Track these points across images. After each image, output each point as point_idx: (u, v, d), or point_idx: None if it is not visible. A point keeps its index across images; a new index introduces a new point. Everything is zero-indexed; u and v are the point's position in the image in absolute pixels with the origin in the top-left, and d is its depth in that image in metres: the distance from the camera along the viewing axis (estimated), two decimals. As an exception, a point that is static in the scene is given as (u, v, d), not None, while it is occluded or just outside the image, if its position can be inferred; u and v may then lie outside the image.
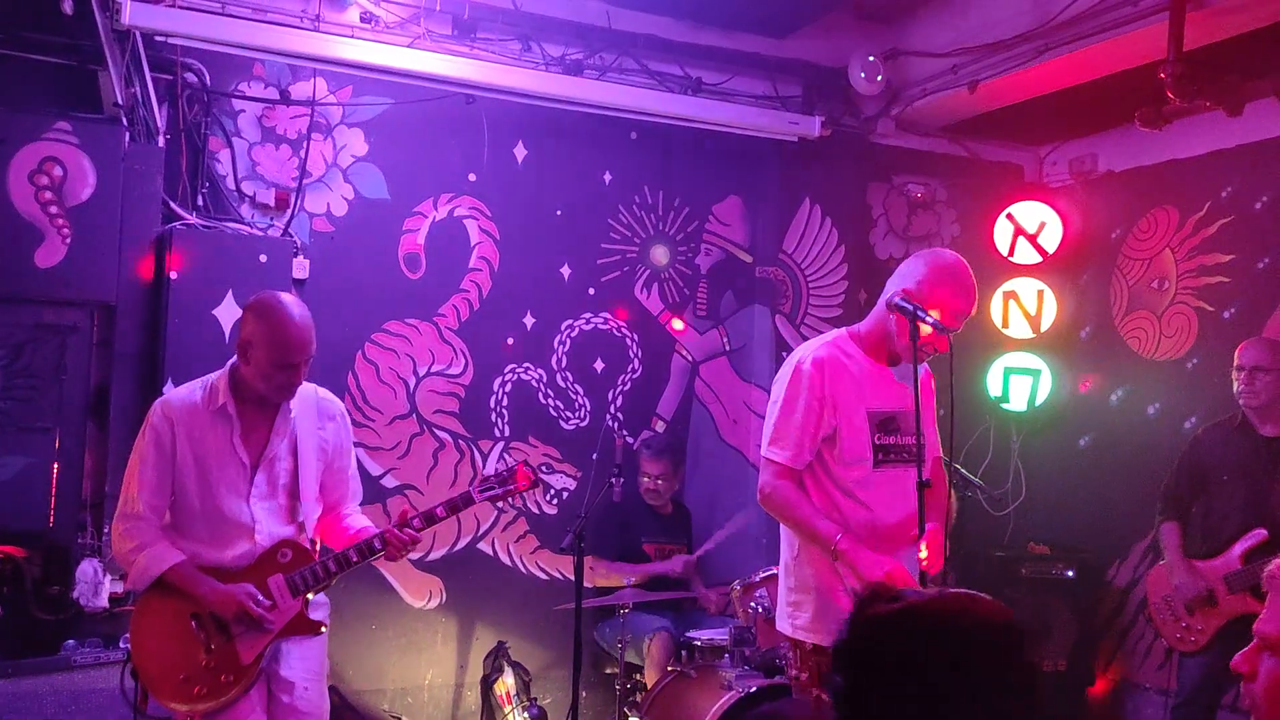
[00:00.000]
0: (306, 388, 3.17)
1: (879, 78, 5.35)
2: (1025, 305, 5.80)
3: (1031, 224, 5.76)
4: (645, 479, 5.05)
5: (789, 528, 3.19)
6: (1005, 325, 5.82)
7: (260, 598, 2.96)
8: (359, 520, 3.27)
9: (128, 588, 3.02)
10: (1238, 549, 4.20)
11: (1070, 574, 5.50)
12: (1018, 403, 5.77)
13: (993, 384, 5.80)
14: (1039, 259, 5.76)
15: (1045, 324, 5.77)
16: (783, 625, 3.23)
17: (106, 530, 4.19)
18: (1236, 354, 4.33)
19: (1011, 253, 5.80)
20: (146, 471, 3.00)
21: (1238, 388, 4.29)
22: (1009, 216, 5.80)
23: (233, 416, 3.03)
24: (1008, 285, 5.83)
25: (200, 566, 2.99)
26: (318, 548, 3.13)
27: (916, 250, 5.85)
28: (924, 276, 3.11)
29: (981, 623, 1.35)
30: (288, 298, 3.05)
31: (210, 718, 2.94)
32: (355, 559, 3.04)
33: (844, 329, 3.32)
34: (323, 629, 3.10)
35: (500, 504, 4.94)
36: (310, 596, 3.06)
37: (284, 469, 3.08)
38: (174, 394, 3.13)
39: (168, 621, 2.96)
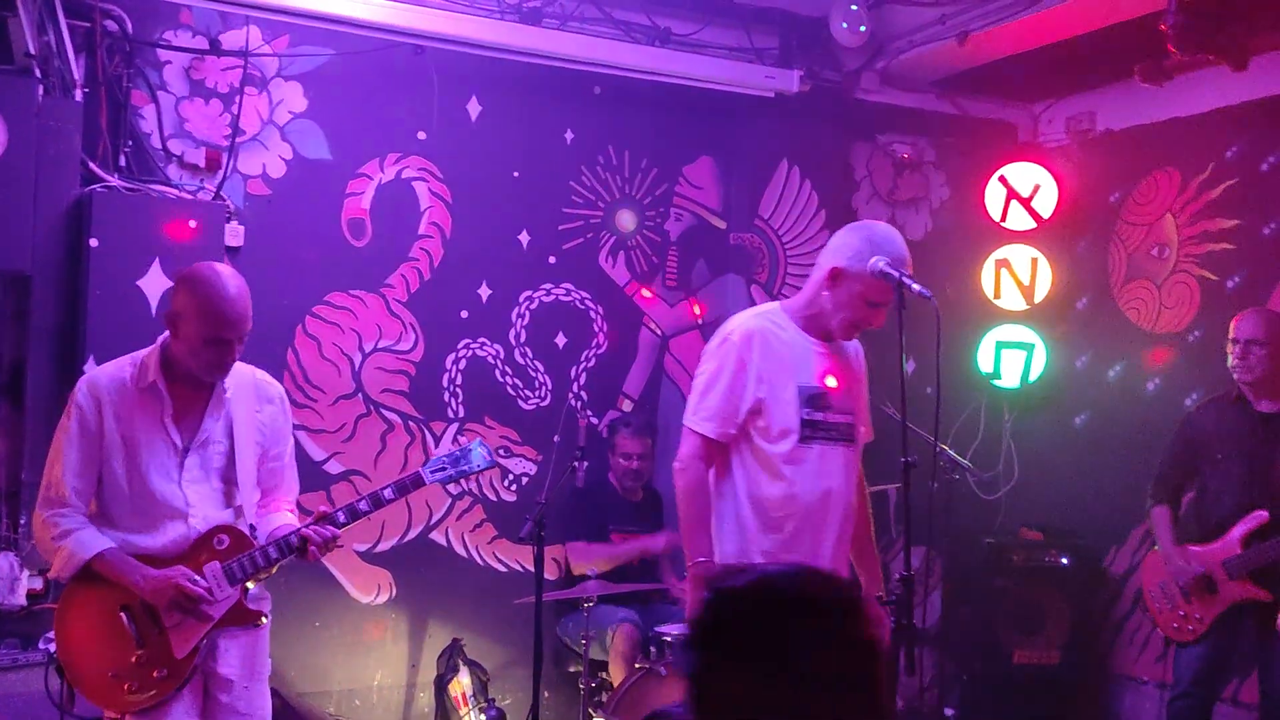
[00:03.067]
0: (244, 368, 3.21)
1: (862, 28, 5.39)
2: (1018, 274, 5.90)
3: (1025, 187, 5.86)
4: (623, 460, 5.11)
5: (679, 510, 3.39)
6: (997, 296, 5.93)
7: (196, 578, 2.99)
8: (285, 517, 3.28)
9: (51, 577, 3.06)
10: (1237, 532, 4.31)
11: (1065, 561, 5.64)
12: (1010, 379, 5.88)
13: (984, 359, 5.90)
14: (1033, 224, 5.86)
15: (1039, 294, 5.88)
16: None
17: (24, 522, 4.20)
18: (1231, 326, 4.43)
19: (1004, 218, 5.90)
20: (70, 454, 3.02)
21: (1231, 362, 4.40)
22: (1001, 179, 5.90)
23: (164, 395, 3.05)
24: (1000, 253, 5.93)
25: (130, 555, 3.01)
26: (257, 534, 3.17)
27: (903, 215, 6.05)
28: (856, 249, 3.26)
29: (826, 590, 1.53)
30: (222, 268, 3.08)
31: (142, 717, 2.98)
32: (296, 544, 3.08)
33: (778, 302, 3.54)
34: (263, 620, 3.14)
35: (453, 487, 5.00)
36: (249, 586, 3.10)
37: (218, 452, 3.12)
38: (100, 371, 3.15)
39: (96, 614, 2.99)
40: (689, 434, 3.34)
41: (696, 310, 5.50)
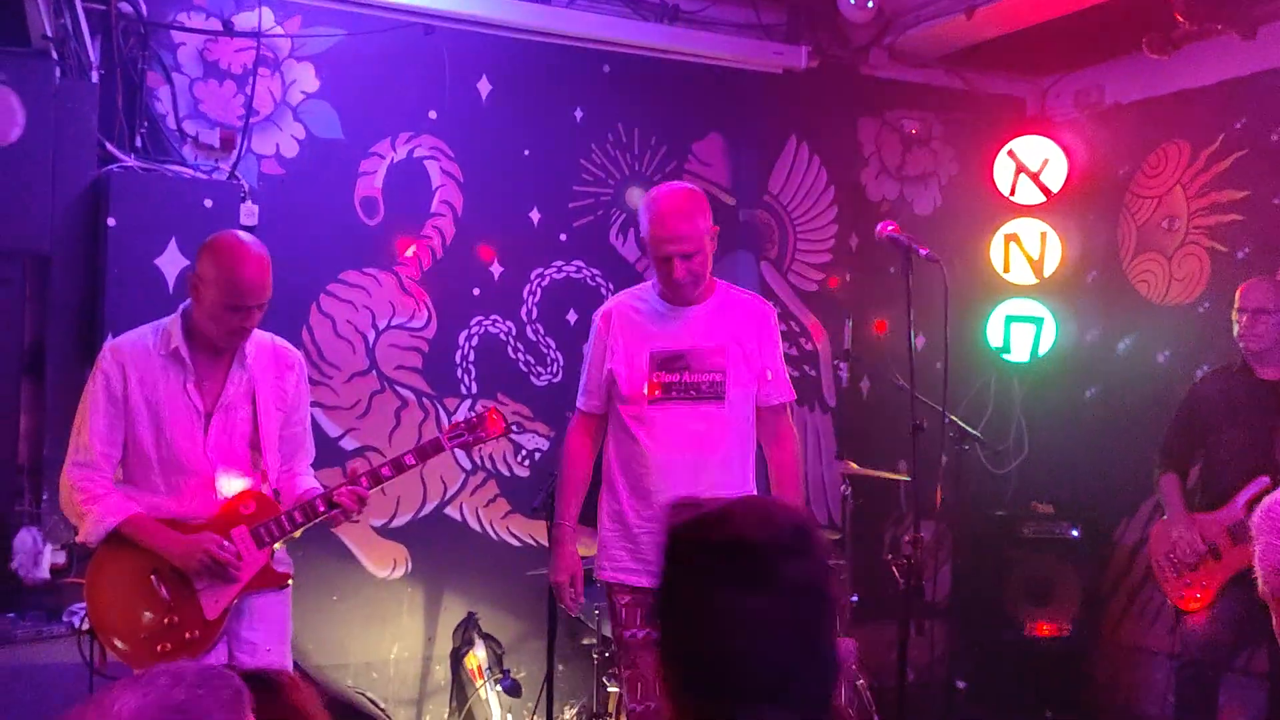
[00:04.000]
0: (264, 336, 3.30)
1: (870, 4, 5.42)
2: (1028, 248, 5.96)
3: (1034, 161, 5.92)
4: None
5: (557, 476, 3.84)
6: (1006, 270, 5.99)
7: (225, 543, 3.10)
8: (306, 482, 3.40)
9: (80, 541, 3.15)
10: (1241, 498, 4.37)
11: (1075, 533, 5.71)
12: (1020, 353, 5.95)
13: (993, 333, 5.98)
14: (1042, 198, 5.92)
15: (1049, 268, 5.94)
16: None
17: (46, 497, 4.30)
18: (1238, 295, 4.48)
19: (1013, 192, 5.96)
20: (97, 419, 3.12)
21: (1238, 330, 4.45)
22: (1010, 153, 5.96)
23: (186, 361, 3.15)
24: (1009, 227, 5.99)
25: (159, 520, 3.12)
26: (281, 499, 3.28)
27: (911, 190, 6.13)
28: (640, 219, 3.60)
29: (770, 524, 1.60)
30: (246, 236, 3.18)
31: (171, 678, 3.08)
32: (322, 509, 3.19)
33: (650, 280, 3.81)
34: (289, 581, 3.25)
35: (472, 451, 5.09)
36: (276, 548, 3.20)
37: (241, 418, 3.22)
38: (124, 338, 3.25)
39: (127, 578, 3.09)
40: (576, 410, 3.79)
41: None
